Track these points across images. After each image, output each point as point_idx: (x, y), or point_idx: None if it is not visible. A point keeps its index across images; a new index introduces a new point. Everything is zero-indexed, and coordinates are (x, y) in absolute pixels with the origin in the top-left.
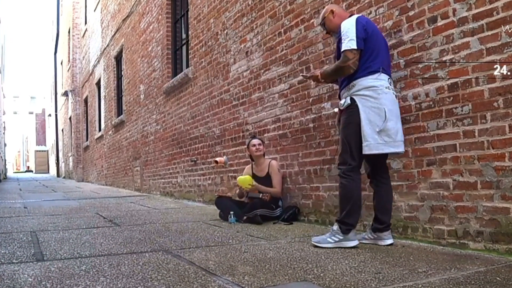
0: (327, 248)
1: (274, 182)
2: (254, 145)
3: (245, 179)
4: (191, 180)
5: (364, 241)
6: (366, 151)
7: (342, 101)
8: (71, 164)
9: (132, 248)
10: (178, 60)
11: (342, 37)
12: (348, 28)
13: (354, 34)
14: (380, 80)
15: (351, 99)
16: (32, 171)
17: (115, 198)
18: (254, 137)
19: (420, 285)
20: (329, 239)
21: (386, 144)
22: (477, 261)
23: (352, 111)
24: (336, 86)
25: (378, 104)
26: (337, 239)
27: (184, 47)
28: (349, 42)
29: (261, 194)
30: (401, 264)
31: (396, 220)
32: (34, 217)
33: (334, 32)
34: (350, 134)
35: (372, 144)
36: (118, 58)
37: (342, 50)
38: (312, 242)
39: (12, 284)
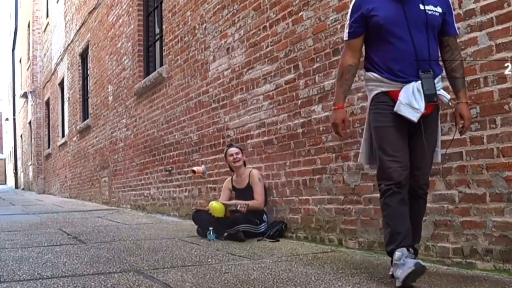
0: None
1: (255, 193)
2: (232, 155)
3: (214, 209)
4: (165, 192)
5: None
6: (439, 159)
7: (443, 92)
8: (31, 174)
9: (100, 268)
10: (151, 58)
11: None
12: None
13: None
14: None
15: None
16: None
17: (80, 212)
18: (231, 145)
19: None
20: None
21: None
22: (486, 282)
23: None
24: (327, 86)
25: None
26: None
27: (157, 43)
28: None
29: (238, 206)
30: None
31: None
32: None
33: None
34: None
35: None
36: (84, 56)
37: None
38: None
39: None
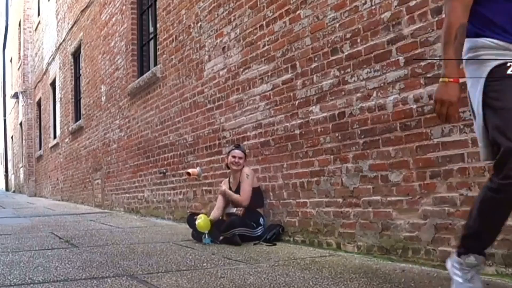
0: None
1: (241, 190)
2: (235, 157)
3: (200, 227)
4: (159, 195)
5: None
6: None
7: None
8: (22, 176)
9: (92, 272)
10: (145, 57)
11: None
12: None
13: None
14: None
15: None
16: None
17: (73, 216)
18: (238, 146)
19: None
20: None
21: None
22: (488, 287)
23: None
24: (325, 86)
25: None
26: None
27: (151, 42)
28: None
29: (235, 209)
30: None
31: (395, 240)
32: None
33: None
34: None
35: None
36: (76, 55)
37: None
38: None
39: None
